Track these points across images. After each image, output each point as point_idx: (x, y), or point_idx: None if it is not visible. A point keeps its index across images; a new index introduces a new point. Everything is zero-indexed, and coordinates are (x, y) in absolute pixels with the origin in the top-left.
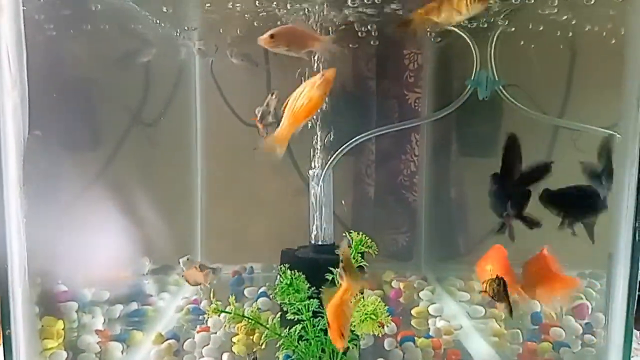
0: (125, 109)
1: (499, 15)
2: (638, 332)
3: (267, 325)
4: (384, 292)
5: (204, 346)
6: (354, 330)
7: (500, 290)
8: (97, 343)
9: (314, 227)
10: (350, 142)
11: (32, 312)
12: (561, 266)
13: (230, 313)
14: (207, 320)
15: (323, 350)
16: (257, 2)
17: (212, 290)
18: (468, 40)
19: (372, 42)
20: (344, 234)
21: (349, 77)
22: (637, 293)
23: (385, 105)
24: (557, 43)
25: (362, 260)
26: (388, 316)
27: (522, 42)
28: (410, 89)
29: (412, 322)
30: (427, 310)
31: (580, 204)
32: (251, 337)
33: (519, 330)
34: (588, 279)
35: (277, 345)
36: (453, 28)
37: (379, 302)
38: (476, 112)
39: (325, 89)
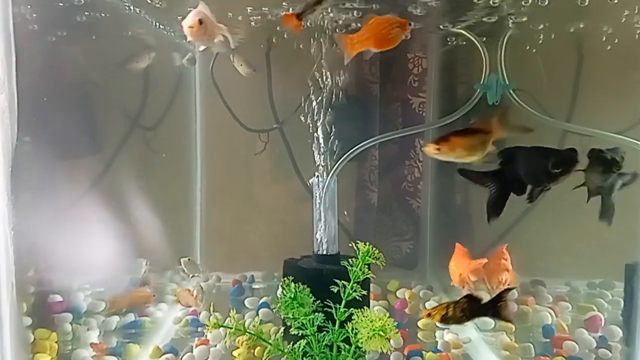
0: (124, 114)
1: (509, 17)
2: None
3: (270, 340)
4: (388, 303)
5: None
6: (360, 347)
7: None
8: (92, 357)
9: (318, 236)
10: (356, 148)
11: (20, 326)
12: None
13: (231, 327)
14: (206, 334)
15: None
16: (262, 8)
17: (212, 304)
18: (477, 43)
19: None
20: (349, 244)
21: (351, 81)
22: None
23: (388, 110)
24: (565, 46)
25: (369, 272)
26: (397, 332)
27: (529, 46)
28: (415, 93)
29: (419, 335)
30: (434, 322)
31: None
32: (252, 351)
33: (530, 344)
34: (598, 289)
35: None
36: (461, 31)
37: (388, 317)
38: (483, 116)
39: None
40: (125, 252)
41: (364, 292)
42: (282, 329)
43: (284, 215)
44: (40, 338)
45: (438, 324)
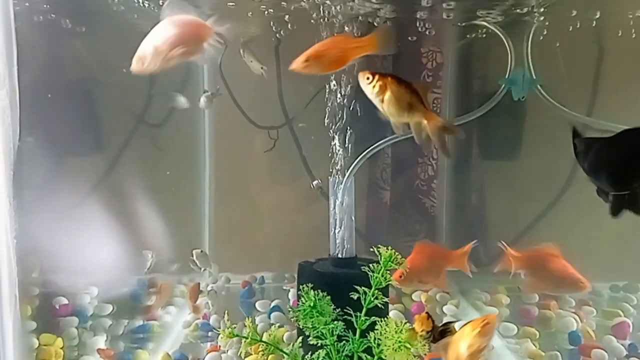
0: (131, 111)
1: (536, 9)
2: None
3: (287, 350)
4: (404, 306)
5: None
6: (383, 358)
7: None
8: None
9: (334, 238)
10: (372, 147)
11: (24, 334)
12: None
13: (246, 338)
14: (219, 342)
15: None
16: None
17: (226, 311)
18: (502, 36)
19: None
20: (371, 249)
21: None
22: None
23: None
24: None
25: (391, 278)
26: (425, 345)
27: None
28: (429, 88)
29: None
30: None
31: None
32: (266, 359)
33: (557, 353)
34: (622, 292)
35: None
36: (484, 23)
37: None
38: (500, 112)
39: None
40: (132, 252)
41: (386, 299)
42: (300, 338)
43: (295, 214)
44: (45, 344)
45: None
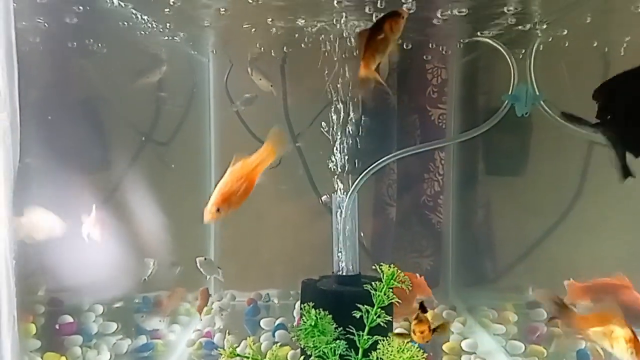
0: (136, 129)
1: (538, 26)
2: None
3: None
4: (409, 323)
5: None
6: None
7: None
8: None
9: (338, 256)
10: (376, 164)
11: (23, 351)
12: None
13: (248, 357)
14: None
15: None
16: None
17: (227, 331)
18: (504, 53)
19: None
20: (373, 267)
21: (368, 93)
22: None
23: (407, 122)
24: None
25: (394, 296)
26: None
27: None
28: (434, 104)
29: (444, 359)
30: (460, 346)
31: None
32: None
33: None
34: None
35: None
36: (486, 39)
37: (417, 348)
38: (506, 128)
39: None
40: (138, 270)
41: (389, 318)
42: (302, 358)
43: (300, 231)
44: None
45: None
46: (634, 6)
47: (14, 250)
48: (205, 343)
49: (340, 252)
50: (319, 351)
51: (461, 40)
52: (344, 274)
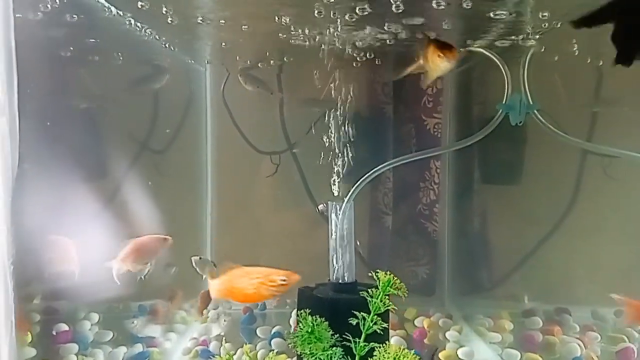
0: (133, 137)
1: (532, 35)
2: None
3: None
4: (406, 332)
5: None
6: None
7: None
8: None
9: (334, 264)
10: (372, 172)
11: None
12: None
13: None
14: None
15: None
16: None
17: (224, 339)
18: (498, 62)
19: (387, 66)
20: (369, 274)
21: (364, 102)
22: None
23: (402, 131)
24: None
25: (390, 303)
26: None
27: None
28: (429, 114)
29: None
30: (456, 354)
31: None
32: None
33: None
34: None
35: None
36: (480, 50)
37: (414, 354)
38: (501, 137)
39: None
40: (133, 278)
41: (385, 325)
42: None
43: (296, 239)
44: None
45: None
46: None
47: (12, 255)
48: (202, 351)
49: (337, 260)
50: (316, 358)
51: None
52: (341, 281)
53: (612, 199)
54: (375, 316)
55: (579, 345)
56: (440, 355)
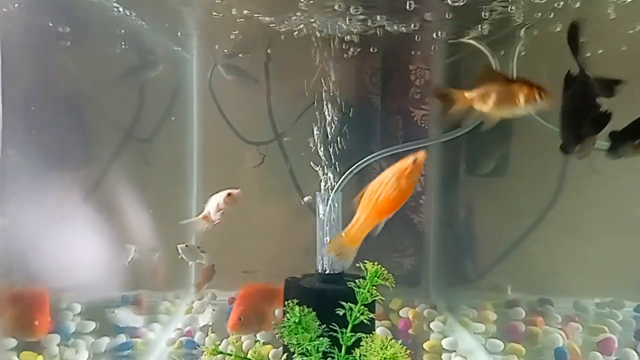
0: (119, 125)
1: (520, 28)
2: None
3: None
4: (391, 322)
5: None
6: None
7: None
8: None
9: (321, 254)
10: (360, 163)
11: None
12: None
13: (231, 355)
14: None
15: None
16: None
17: (210, 329)
18: (488, 54)
19: (376, 56)
20: (357, 264)
21: (352, 93)
22: None
23: (389, 123)
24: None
25: (377, 293)
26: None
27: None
28: (417, 105)
29: (425, 358)
30: (441, 344)
31: None
32: None
33: None
34: (608, 309)
35: None
36: (471, 41)
37: (401, 345)
38: (487, 129)
39: (417, 177)
40: (118, 268)
41: (372, 315)
42: (285, 355)
43: (283, 230)
44: None
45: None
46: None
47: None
48: (186, 342)
49: (323, 250)
50: (302, 348)
51: (447, 41)
52: (327, 272)
53: (596, 191)
54: (362, 306)
55: (561, 335)
56: (425, 345)
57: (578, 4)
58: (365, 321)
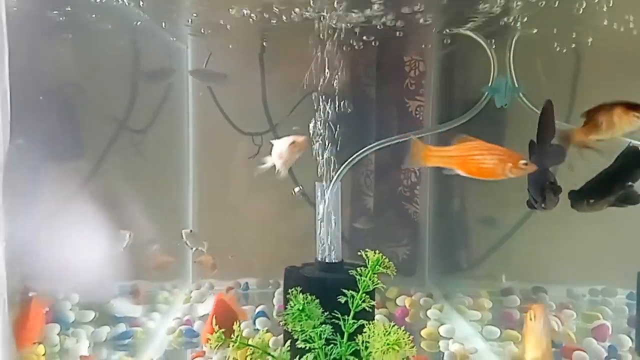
0: (113, 116)
1: (517, 19)
2: None
3: (275, 354)
4: (388, 311)
5: None
6: None
7: None
8: None
9: (320, 243)
10: (359, 153)
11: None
12: None
13: (234, 342)
14: (203, 346)
15: None
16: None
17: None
18: (484, 45)
19: (371, 47)
20: (358, 253)
21: (347, 84)
22: None
23: (384, 114)
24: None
25: (379, 281)
26: (413, 347)
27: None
28: (411, 96)
29: (422, 345)
30: (438, 332)
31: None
32: None
33: None
34: (601, 296)
35: None
36: (468, 32)
37: (404, 331)
38: (482, 119)
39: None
40: (114, 259)
41: (373, 303)
42: (289, 342)
43: (278, 220)
44: (27, 351)
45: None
46: None
47: (4, 232)
48: (186, 330)
49: (323, 239)
50: (306, 335)
51: (443, 32)
52: (327, 261)
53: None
54: (364, 294)
55: (555, 322)
56: (422, 332)
57: None
58: (367, 308)
